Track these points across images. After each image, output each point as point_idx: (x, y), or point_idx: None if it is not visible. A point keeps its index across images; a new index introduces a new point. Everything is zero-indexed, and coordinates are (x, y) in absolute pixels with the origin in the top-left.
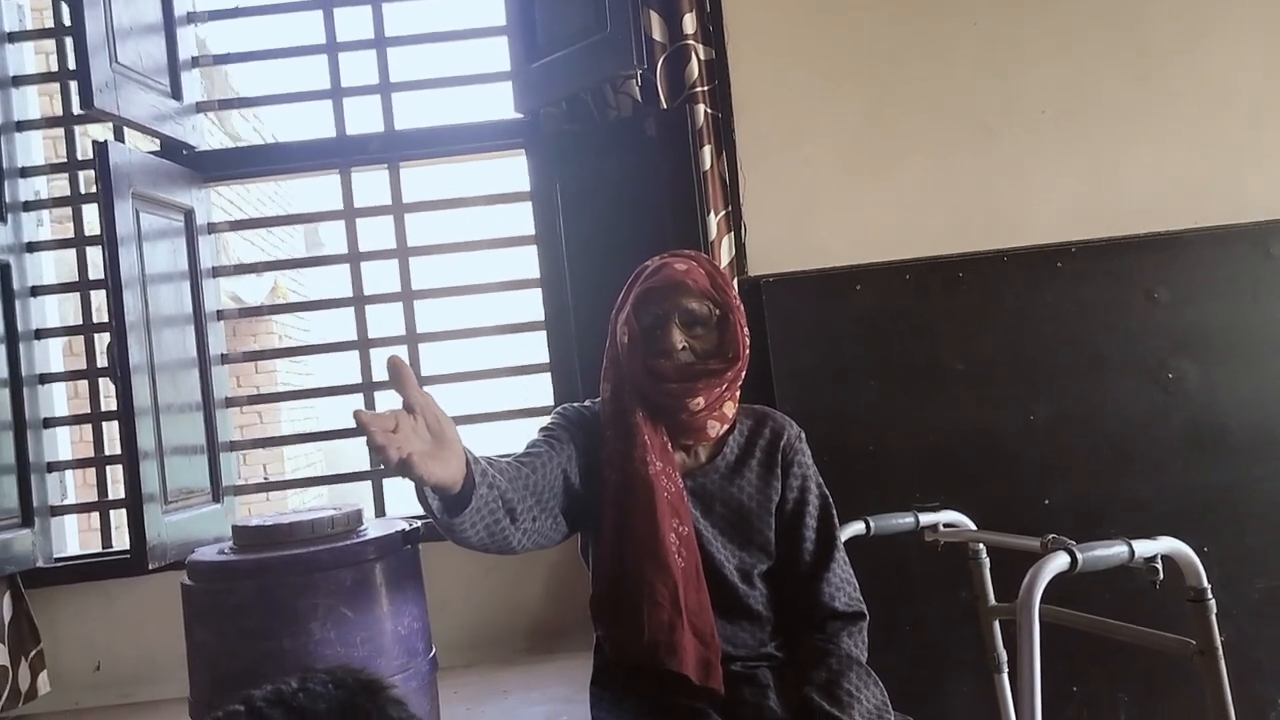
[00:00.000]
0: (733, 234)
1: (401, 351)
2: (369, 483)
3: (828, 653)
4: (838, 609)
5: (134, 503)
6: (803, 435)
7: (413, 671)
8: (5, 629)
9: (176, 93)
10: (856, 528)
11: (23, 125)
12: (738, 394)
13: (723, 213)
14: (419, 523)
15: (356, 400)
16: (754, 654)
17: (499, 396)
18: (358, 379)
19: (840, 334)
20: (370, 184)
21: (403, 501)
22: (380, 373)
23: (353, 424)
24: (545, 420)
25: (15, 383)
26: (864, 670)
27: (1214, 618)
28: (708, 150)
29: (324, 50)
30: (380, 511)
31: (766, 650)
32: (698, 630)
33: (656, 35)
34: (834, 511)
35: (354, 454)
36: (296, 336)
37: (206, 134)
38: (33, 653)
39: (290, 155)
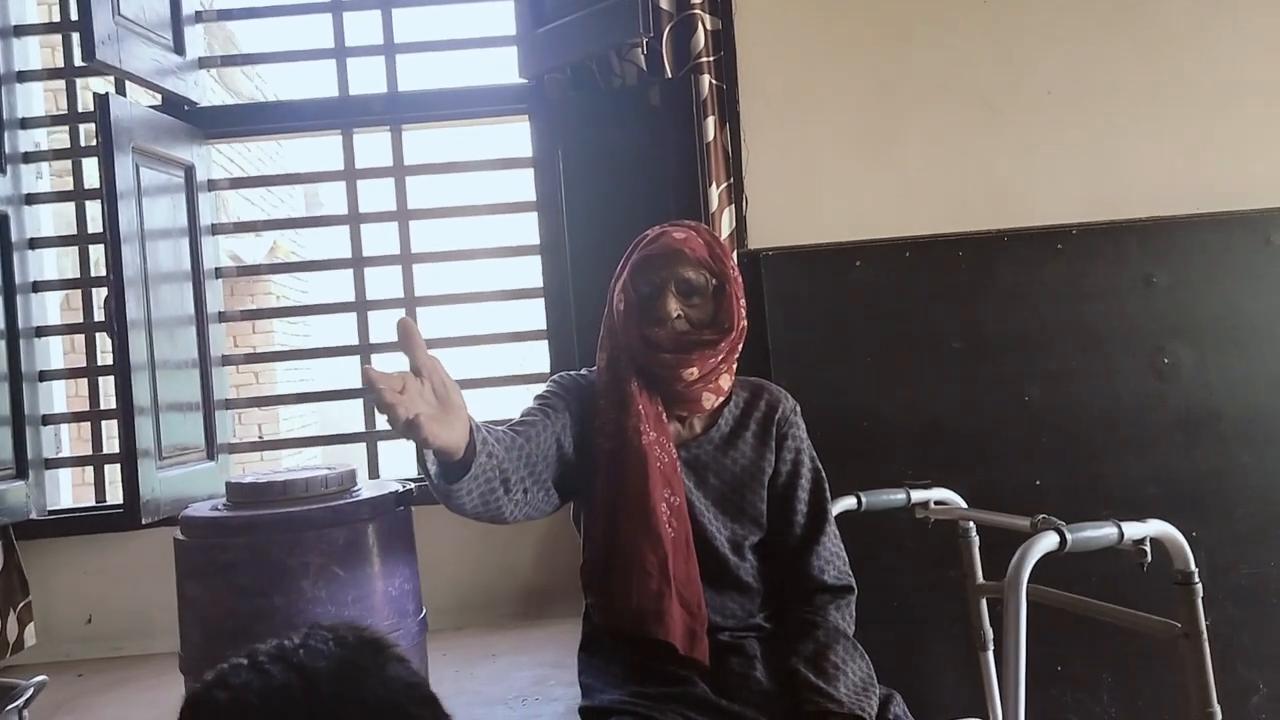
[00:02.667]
0: (734, 206)
1: (400, 314)
2: (364, 444)
3: (815, 625)
4: (827, 582)
5: (129, 457)
6: (798, 409)
7: (403, 632)
8: (4, 577)
9: (179, 47)
10: (848, 503)
11: (24, 76)
12: (734, 366)
13: (725, 185)
14: (412, 484)
15: (353, 362)
16: (742, 625)
17: (496, 362)
18: (355, 341)
19: (838, 309)
20: (372, 145)
21: (396, 463)
22: (377, 335)
23: (349, 385)
24: (541, 388)
25: (11, 335)
26: (851, 643)
27: (1200, 601)
28: (711, 121)
29: (329, 9)
30: (374, 473)
31: (755, 621)
32: (685, 600)
33: (664, 4)
34: (826, 485)
35: (348, 415)
36: (294, 297)
37: (209, 91)
38: (21, 604)
39: (293, 114)
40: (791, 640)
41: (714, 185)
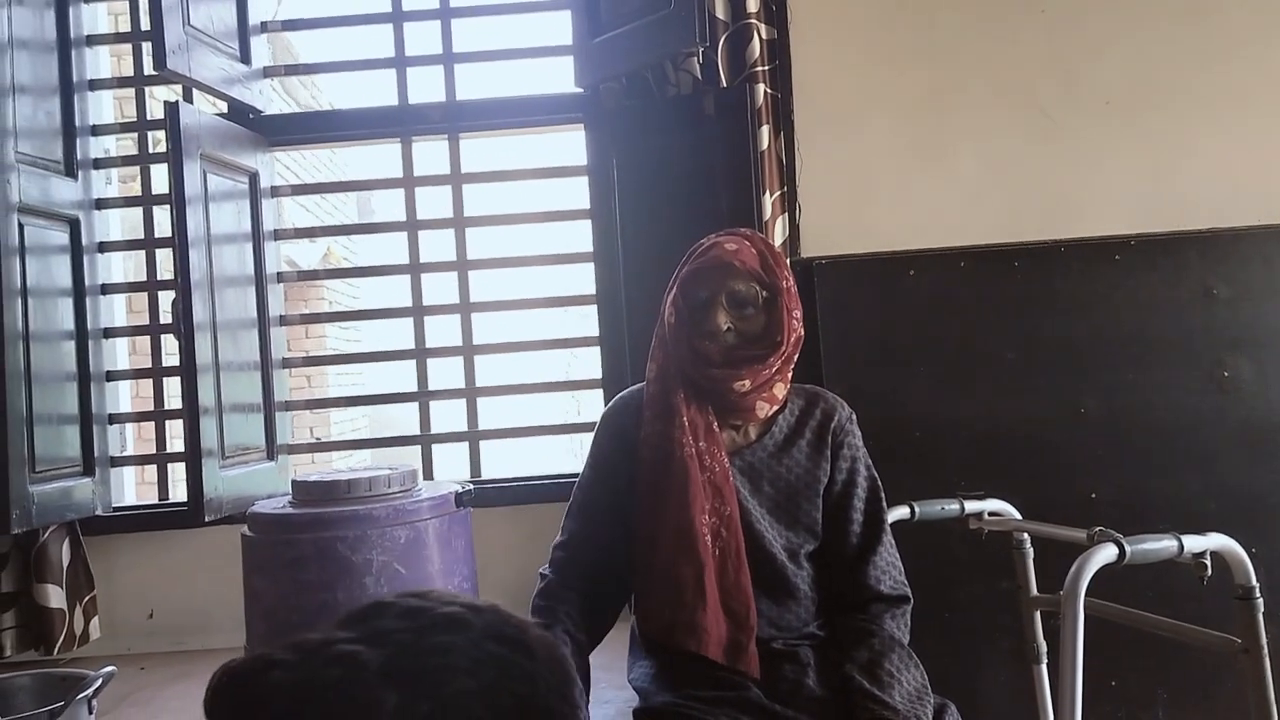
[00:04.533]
0: (787, 214)
1: (454, 320)
2: (417, 447)
3: (870, 633)
4: (883, 592)
5: (193, 456)
6: (853, 417)
7: None
8: (63, 574)
9: (245, 57)
10: (901, 512)
11: (94, 84)
12: (789, 375)
13: (778, 193)
14: (470, 485)
15: (409, 366)
16: (797, 633)
17: (548, 367)
18: (410, 345)
19: (892, 318)
20: (428, 153)
21: (449, 465)
22: (433, 340)
23: (402, 389)
24: (591, 431)
25: (81, 336)
26: (906, 652)
27: (1261, 616)
28: (766, 130)
29: (389, 19)
30: (428, 474)
31: (809, 629)
32: (731, 611)
33: (719, 13)
34: (882, 494)
35: (399, 418)
36: (345, 302)
37: (271, 100)
38: (86, 598)
39: (354, 122)
40: (846, 648)
41: (768, 193)
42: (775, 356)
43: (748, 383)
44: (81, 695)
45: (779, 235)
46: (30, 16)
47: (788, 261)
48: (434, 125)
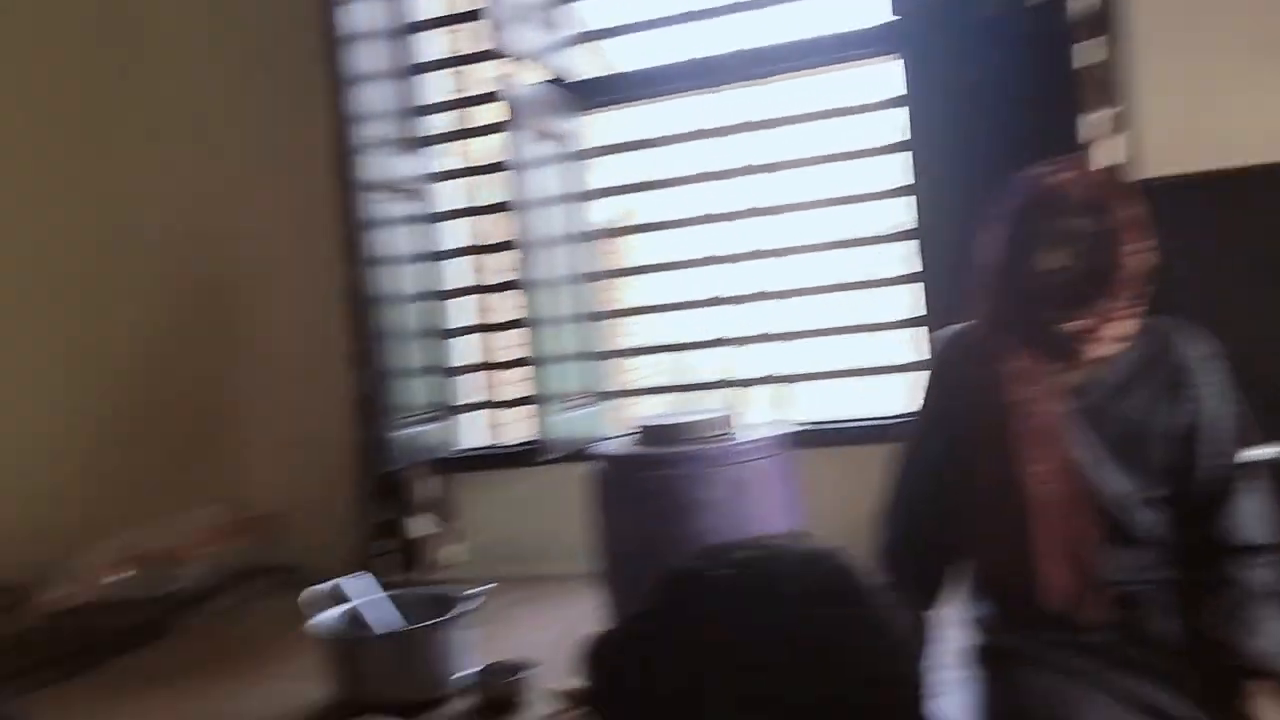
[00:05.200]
0: (1121, 133)
1: (755, 267)
2: (719, 391)
3: (1227, 582)
4: (1241, 541)
5: (538, 401)
6: (1210, 353)
7: None
8: (427, 505)
9: (560, 26)
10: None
11: (425, 67)
12: (1134, 311)
13: (1109, 110)
14: (801, 426)
15: (707, 314)
16: (1143, 579)
17: (854, 310)
18: (719, 293)
19: (1253, 241)
20: (729, 102)
21: (752, 411)
22: (733, 288)
23: (708, 337)
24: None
25: (428, 297)
26: (1270, 600)
27: None
28: (1093, 43)
29: None
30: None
31: (1157, 575)
32: (1071, 559)
33: None
34: (1240, 437)
35: (699, 365)
36: (639, 255)
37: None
38: (448, 527)
39: (659, 79)
40: (1200, 597)
41: (1097, 112)
42: (1111, 293)
43: (1082, 323)
44: (466, 609)
45: (1114, 157)
46: (370, 9)
47: (1129, 187)
48: (743, 73)
